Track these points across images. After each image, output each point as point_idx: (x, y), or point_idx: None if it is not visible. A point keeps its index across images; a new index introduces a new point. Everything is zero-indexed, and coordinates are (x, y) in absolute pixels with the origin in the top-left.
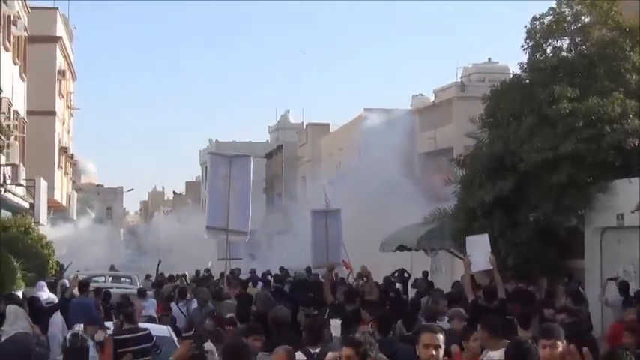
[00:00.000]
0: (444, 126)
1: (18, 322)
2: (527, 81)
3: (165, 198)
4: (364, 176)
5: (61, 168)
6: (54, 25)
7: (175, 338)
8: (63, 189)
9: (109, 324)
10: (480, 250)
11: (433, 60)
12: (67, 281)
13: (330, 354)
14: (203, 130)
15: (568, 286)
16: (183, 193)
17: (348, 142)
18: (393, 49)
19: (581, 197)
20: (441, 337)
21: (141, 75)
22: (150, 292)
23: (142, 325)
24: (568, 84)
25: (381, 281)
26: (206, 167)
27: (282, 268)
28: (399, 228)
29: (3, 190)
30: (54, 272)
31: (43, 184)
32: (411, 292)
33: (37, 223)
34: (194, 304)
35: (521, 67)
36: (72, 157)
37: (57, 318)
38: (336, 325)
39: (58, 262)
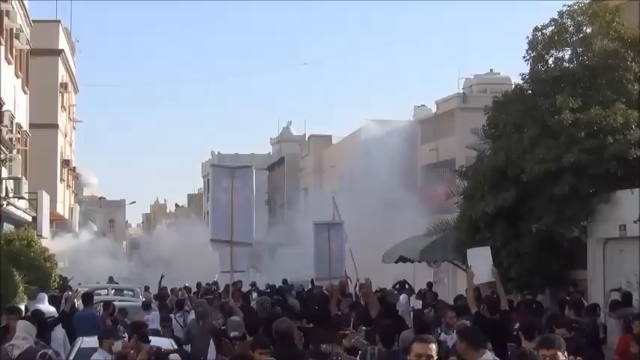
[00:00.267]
0: (446, 137)
1: (28, 337)
2: (529, 92)
3: (168, 210)
4: (366, 188)
5: (64, 181)
6: (56, 38)
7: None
8: (65, 202)
9: None
10: (482, 262)
11: (435, 71)
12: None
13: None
14: (205, 142)
15: (571, 297)
16: (186, 206)
17: (350, 153)
18: (394, 60)
19: (584, 208)
20: (433, 347)
21: (143, 87)
22: (154, 305)
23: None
24: (570, 95)
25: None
26: (208, 179)
27: (284, 281)
28: (402, 240)
29: (5, 203)
30: (56, 285)
31: (46, 197)
32: (416, 304)
33: (40, 236)
34: (192, 315)
35: (523, 78)
36: (74, 169)
37: (58, 332)
38: None
39: (60, 276)
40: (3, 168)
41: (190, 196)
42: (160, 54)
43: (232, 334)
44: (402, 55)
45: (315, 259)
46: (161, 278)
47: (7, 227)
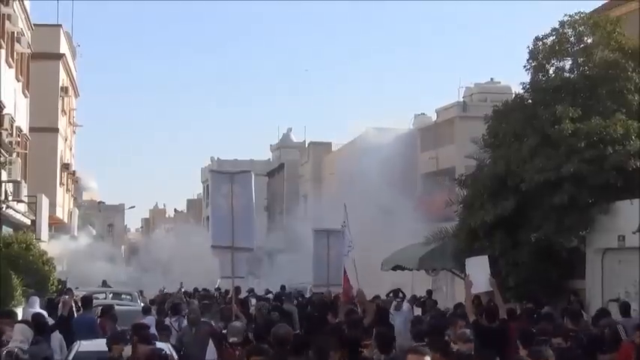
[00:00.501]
0: (446, 146)
1: (24, 340)
2: (530, 101)
3: (167, 215)
4: (365, 195)
5: (63, 185)
6: (57, 42)
7: (176, 356)
8: (64, 206)
9: None
10: (480, 271)
11: (435, 79)
12: (67, 297)
13: None
14: (205, 148)
15: (569, 306)
16: (185, 211)
17: (350, 161)
18: (395, 69)
19: (583, 218)
20: (428, 358)
21: (143, 93)
22: (153, 310)
23: None
24: (570, 104)
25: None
26: (207, 185)
27: (282, 287)
28: (400, 247)
29: (4, 206)
30: (54, 289)
31: (45, 201)
32: (416, 312)
33: (38, 239)
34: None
35: (523, 88)
36: (74, 173)
37: (54, 338)
38: None
39: (59, 280)
40: (3, 171)
41: (190, 202)
42: (161, 60)
43: (232, 339)
44: (402, 63)
45: (313, 265)
46: (181, 286)
47: (6, 230)
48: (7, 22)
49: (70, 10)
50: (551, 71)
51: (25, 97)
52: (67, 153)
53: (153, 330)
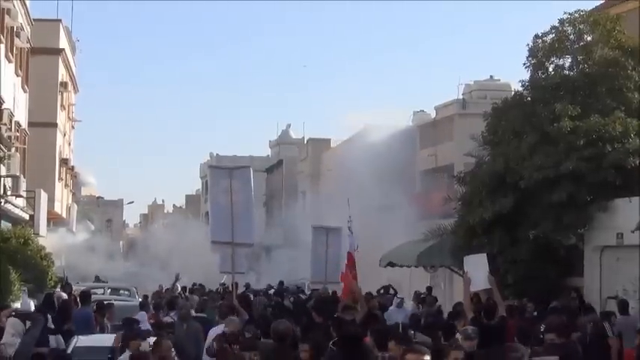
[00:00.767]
0: (445, 143)
1: (16, 334)
2: (529, 99)
3: (165, 211)
4: (364, 192)
5: (62, 180)
6: (56, 37)
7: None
8: (63, 201)
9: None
10: (478, 269)
11: (435, 76)
12: (63, 293)
13: None
14: (204, 144)
15: (569, 302)
16: (184, 207)
17: (349, 157)
18: (394, 66)
19: (582, 216)
20: (427, 358)
21: (142, 88)
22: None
23: None
24: (570, 102)
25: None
26: (206, 181)
27: (281, 282)
28: (399, 244)
29: (3, 201)
30: (53, 284)
31: (44, 196)
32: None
33: (37, 234)
34: None
35: (523, 85)
36: (72, 168)
37: (51, 339)
38: None
39: (61, 279)
40: (1, 166)
41: (188, 197)
42: (160, 55)
43: (225, 329)
44: (402, 60)
45: (312, 262)
46: (176, 279)
47: (5, 225)
48: (6, 17)
49: (70, 5)
50: (550, 69)
51: (25, 91)
52: (66, 148)
53: (146, 325)
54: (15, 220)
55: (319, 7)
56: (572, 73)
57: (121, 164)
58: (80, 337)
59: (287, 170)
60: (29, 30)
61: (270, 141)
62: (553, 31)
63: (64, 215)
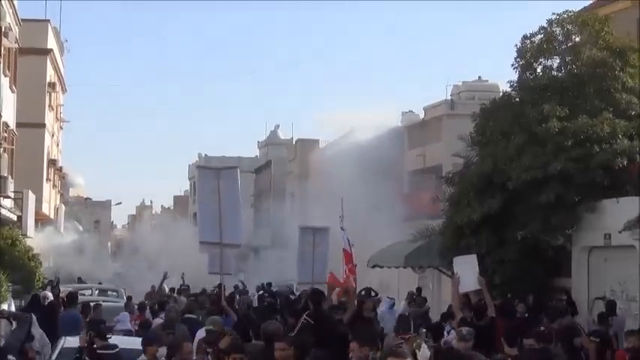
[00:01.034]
0: (433, 143)
1: (2, 335)
2: (517, 99)
3: (154, 211)
4: (352, 192)
5: (50, 180)
6: (45, 37)
7: None
8: (51, 201)
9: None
10: (468, 270)
11: (423, 77)
12: (49, 294)
13: None
14: (192, 145)
15: (554, 304)
16: (172, 207)
17: (337, 158)
18: (383, 66)
19: (569, 216)
20: None
21: (131, 88)
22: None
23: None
24: (558, 103)
25: None
26: (194, 181)
27: (269, 284)
28: (387, 245)
29: None
30: (40, 285)
31: (31, 197)
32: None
33: (24, 235)
34: None
35: (511, 86)
36: (60, 169)
37: (35, 332)
38: None
39: (51, 280)
40: None
41: (176, 198)
42: (148, 56)
43: (207, 327)
44: (390, 60)
45: (298, 263)
46: (164, 278)
47: None
48: None
49: (58, 5)
50: (538, 70)
51: (12, 92)
52: (54, 149)
53: (128, 325)
54: (2, 221)
55: (308, 6)
56: (560, 73)
57: (109, 165)
58: (68, 338)
59: (275, 171)
60: (17, 30)
61: (258, 142)
62: (541, 31)
63: (51, 216)
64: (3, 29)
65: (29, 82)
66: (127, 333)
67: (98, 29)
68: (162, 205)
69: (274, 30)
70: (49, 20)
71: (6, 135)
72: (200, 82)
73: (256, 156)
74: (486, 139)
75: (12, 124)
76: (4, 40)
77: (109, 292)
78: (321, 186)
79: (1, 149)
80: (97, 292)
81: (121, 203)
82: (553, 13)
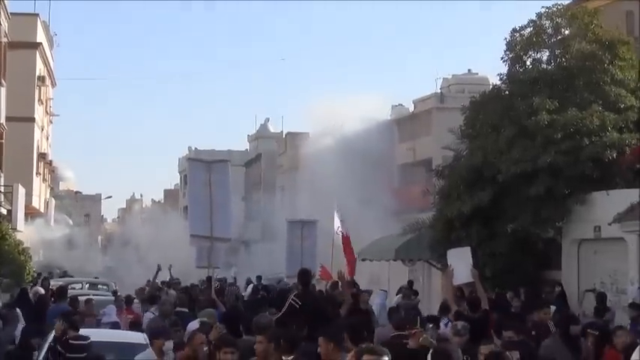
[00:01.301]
0: (423, 136)
1: None
2: (507, 92)
3: (144, 205)
4: (342, 186)
5: (40, 174)
6: (34, 31)
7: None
8: (41, 195)
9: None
10: (461, 262)
11: (413, 70)
12: (41, 289)
13: None
14: (182, 138)
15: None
16: (162, 201)
17: (327, 151)
18: (372, 60)
19: (559, 209)
20: (385, 359)
21: (120, 82)
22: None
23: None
24: (547, 96)
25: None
26: (185, 175)
27: (258, 277)
28: (377, 238)
29: None
30: (30, 279)
31: (21, 191)
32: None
33: (14, 229)
34: None
35: (500, 79)
36: (50, 163)
37: (19, 328)
38: None
39: (39, 274)
40: None
41: (167, 192)
42: (138, 49)
43: (202, 319)
44: (379, 54)
45: (287, 256)
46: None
47: None
48: None
49: (47, 0)
50: (528, 63)
51: (2, 86)
52: (44, 142)
53: (114, 318)
54: None
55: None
56: (549, 66)
57: (99, 159)
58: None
59: (266, 164)
60: (6, 24)
61: (248, 135)
62: (531, 24)
63: (41, 210)
64: None
65: (19, 76)
66: (114, 325)
67: (87, 23)
68: (152, 199)
69: (264, 23)
70: (38, 14)
71: None
72: (190, 76)
73: (246, 149)
74: (476, 132)
75: (1, 118)
76: None
77: (100, 286)
78: (311, 179)
79: None
80: (87, 285)
81: (111, 197)
82: (542, 7)
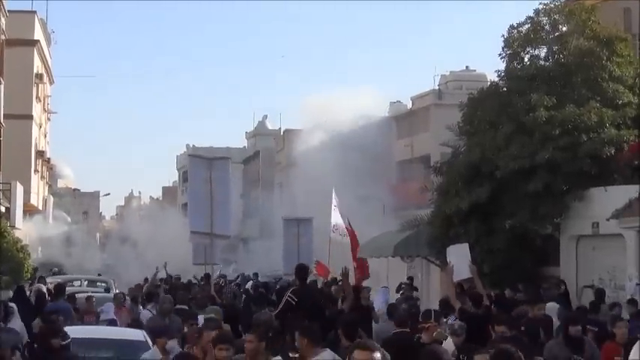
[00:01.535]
0: (421, 133)
1: None
2: (505, 89)
3: (142, 202)
4: (340, 182)
5: (38, 172)
6: (31, 28)
7: (150, 343)
8: (39, 193)
9: None
10: (460, 259)
11: (411, 67)
12: (42, 286)
13: None
14: (180, 135)
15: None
16: (160, 198)
17: (325, 148)
18: (370, 57)
19: (557, 205)
20: (377, 356)
21: (118, 80)
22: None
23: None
24: (545, 92)
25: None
26: (183, 172)
27: (255, 274)
28: (376, 235)
29: None
30: (29, 276)
31: (19, 188)
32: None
33: (13, 226)
34: None
35: (498, 76)
36: (48, 160)
37: (16, 325)
38: None
39: (35, 269)
40: None
41: (165, 189)
42: (135, 46)
43: (208, 316)
44: (377, 51)
45: (284, 254)
46: (157, 270)
47: None
48: None
49: None
50: (526, 59)
51: None
52: (42, 140)
53: (111, 315)
54: None
55: None
56: (547, 63)
57: (97, 156)
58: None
59: (264, 161)
60: (4, 22)
61: (246, 132)
62: (528, 21)
63: (40, 207)
64: None
65: (16, 73)
66: (111, 323)
67: (85, 20)
68: (150, 196)
69: (262, 19)
70: (35, 12)
71: None
72: (187, 73)
73: (244, 147)
74: (474, 129)
75: None
76: None
77: (98, 283)
78: (308, 176)
79: None
80: (85, 283)
81: (109, 194)
82: (540, 3)
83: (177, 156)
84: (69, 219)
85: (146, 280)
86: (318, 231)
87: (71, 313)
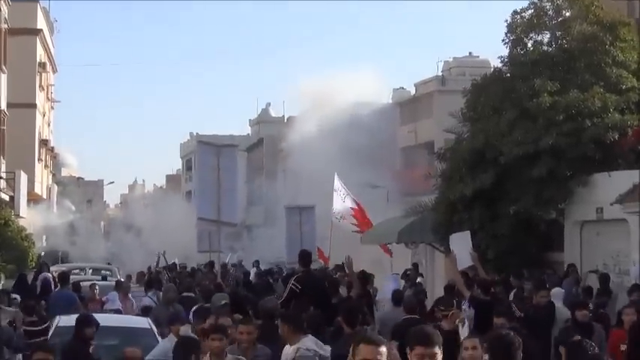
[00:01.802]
0: (425, 119)
1: None
2: (508, 75)
3: (146, 191)
4: (345, 169)
5: (41, 160)
6: (34, 17)
7: (155, 330)
8: (43, 181)
9: None
10: (462, 247)
11: (414, 54)
12: (48, 274)
13: None
14: (183, 123)
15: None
16: (164, 186)
17: (328, 135)
18: (373, 43)
19: (561, 191)
20: (383, 350)
21: (121, 68)
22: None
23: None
24: (549, 78)
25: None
26: (187, 160)
27: (256, 262)
28: (379, 221)
29: None
30: (33, 265)
31: (23, 177)
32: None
33: (17, 215)
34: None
35: (502, 61)
36: (52, 149)
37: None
38: None
39: (39, 256)
40: None
41: (169, 177)
42: (139, 34)
43: (222, 302)
44: (380, 37)
45: (286, 242)
46: (159, 258)
47: None
48: None
49: None
50: (529, 45)
51: (3, 72)
52: (46, 129)
53: (117, 305)
54: None
55: None
56: (550, 48)
57: (101, 144)
58: (62, 317)
59: (267, 149)
60: (7, 10)
61: (250, 120)
62: (531, 6)
63: (44, 196)
64: None
65: (19, 62)
66: (117, 312)
67: (87, 8)
68: (154, 184)
69: (264, 7)
70: (38, 0)
71: None
72: (191, 61)
73: (248, 134)
74: (478, 115)
75: (3, 105)
76: None
77: (103, 272)
78: (312, 163)
79: None
80: (90, 271)
81: (113, 182)
82: None
83: (180, 144)
84: (73, 207)
85: (149, 269)
86: (321, 218)
87: (76, 301)
